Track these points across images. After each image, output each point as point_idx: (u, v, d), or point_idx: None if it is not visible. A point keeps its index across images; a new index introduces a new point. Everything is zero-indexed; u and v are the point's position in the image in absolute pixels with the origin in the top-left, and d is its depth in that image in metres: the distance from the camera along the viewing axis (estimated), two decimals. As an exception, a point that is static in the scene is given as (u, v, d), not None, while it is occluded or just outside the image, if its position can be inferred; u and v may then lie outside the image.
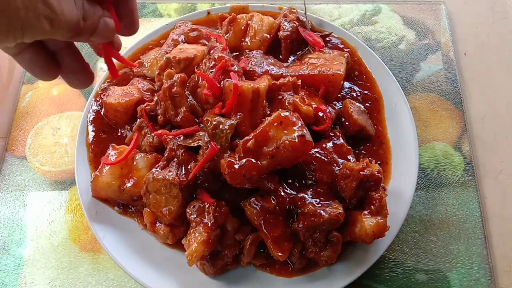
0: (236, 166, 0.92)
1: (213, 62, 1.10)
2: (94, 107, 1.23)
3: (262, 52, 1.22)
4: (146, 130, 1.13)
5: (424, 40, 1.47)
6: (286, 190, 1.01)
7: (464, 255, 1.13)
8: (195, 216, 0.99)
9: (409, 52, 1.44)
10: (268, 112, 1.04)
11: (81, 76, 0.75)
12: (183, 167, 1.02)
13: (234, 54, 1.22)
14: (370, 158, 1.05)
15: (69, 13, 0.59)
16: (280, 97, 1.07)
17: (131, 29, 0.73)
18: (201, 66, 1.13)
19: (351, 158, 1.08)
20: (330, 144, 1.07)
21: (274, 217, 0.99)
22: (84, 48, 1.45)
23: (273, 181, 0.99)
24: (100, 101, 1.23)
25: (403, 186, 1.11)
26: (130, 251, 1.06)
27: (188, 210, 1.01)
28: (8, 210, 1.19)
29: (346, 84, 1.26)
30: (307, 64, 1.19)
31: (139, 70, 1.27)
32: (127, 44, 1.41)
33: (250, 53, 1.21)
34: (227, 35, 1.25)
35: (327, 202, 1.00)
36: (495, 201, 1.21)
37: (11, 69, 1.42)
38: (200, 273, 1.04)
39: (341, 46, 1.31)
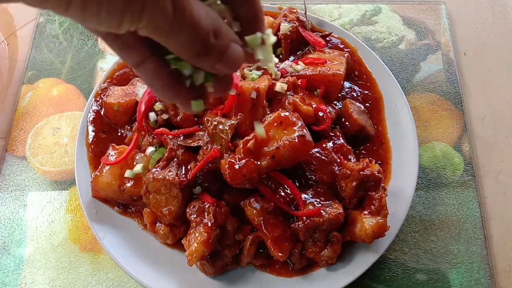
0: (237, 167, 0.92)
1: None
2: (94, 107, 1.23)
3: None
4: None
5: (424, 40, 1.47)
6: (286, 190, 1.00)
7: (464, 255, 1.13)
8: (195, 216, 0.99)
9: (409, 52, 1.44)
10: (268, 112, 1.04)
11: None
12: (183, 167, 1.02)
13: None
14: (370, 158, 1.05)
15: (199, 16, 0.47)
16: (280, 97, 1.07)
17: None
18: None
19: (351, 158, 1.08)
20: (330, 144, 1.07)
21: (274, 217, 1.00)
22: (84, 49, 1.45)
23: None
24: (100, 101, 1.23)
25: (403, 186, 1.11)
26: (130, 251, 1.06)
27: (188, 210, 1.01)
28: (8, 210, 1.19)
29: (346, 84, 1.26)
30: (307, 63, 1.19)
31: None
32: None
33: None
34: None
35: (327, 202, 1.00)
36: (495, 201, 1.21)
37: (11, 69, 1.42)
38: (200, 273, 1.04)
39: (341, 46, 1.31)
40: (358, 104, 1.20)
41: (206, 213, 0.98)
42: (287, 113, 0.96)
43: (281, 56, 1.26)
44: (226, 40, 0.50)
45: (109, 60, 1.42)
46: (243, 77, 1.08)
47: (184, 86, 0.55)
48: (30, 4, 0.43)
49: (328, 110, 1.11)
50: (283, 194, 1.00)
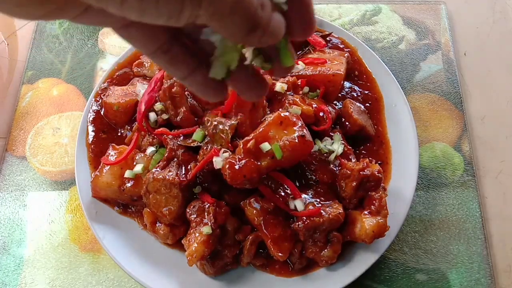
0: (237, 167, 0.92)
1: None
2: (94, 107, 1.23)
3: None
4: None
5: (424, 40, 1.47)
6: (286, 190, 1.00)
7: (464, 255, 1.13)
8: (195, 216, 0.99)
9: (409, 52, 1.44)
10: (268, 112, 1.04)
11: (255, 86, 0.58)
12: (183, 167, 1.02)
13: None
14: (370, 158, 1.05)
15: None
16: (280, 97, 1.07)
17: (307, 28, 0.50)
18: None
19: (351, 158, 1.08)
20: (330, 144, 1.07)
21: (274, 217, 1.00)
22: (84, 49, 1.45)
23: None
24: (100, 101, 1.23)
25: (403, 186, 1.11)
26: (130, 251, 1.06)
27: (188, 210, 1.01)
28: (8, 210, 1.19)
29: (347, 84, 1.26)
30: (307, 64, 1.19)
31: (139, 70, 1.27)
32: (127, 44, 1.41)
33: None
34: (227, 35, 1.25)
35: (327, 202, 1.00)
36: (495, 201, 1.21)
37: (11, 69, 1.42)
38: (200, 273, 1.04)
39: (341, 46, 1.31)
40: (358, 104, 1.20)
41: (206, 213, 0.98)
42: (287, 113, 0.96)
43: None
44: (269, 10, 0.46)
45: (109, 60, 1.42)
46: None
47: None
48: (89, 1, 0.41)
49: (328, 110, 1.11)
50: (283, 194, 1.00)
